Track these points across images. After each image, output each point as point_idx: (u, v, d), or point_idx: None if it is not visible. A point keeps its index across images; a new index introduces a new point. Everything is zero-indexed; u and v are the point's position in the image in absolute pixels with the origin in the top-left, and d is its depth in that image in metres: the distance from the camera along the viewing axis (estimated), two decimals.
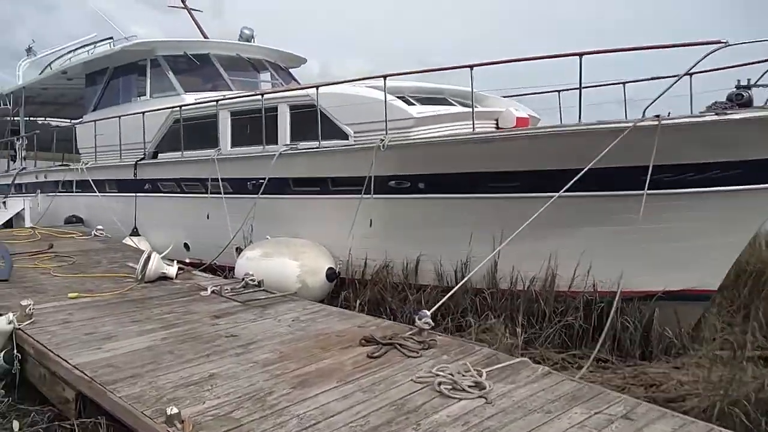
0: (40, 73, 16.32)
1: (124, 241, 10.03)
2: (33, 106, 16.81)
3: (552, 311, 6.77)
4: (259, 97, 8.77)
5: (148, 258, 7.06)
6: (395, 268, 7.56)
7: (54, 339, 5.11)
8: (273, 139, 8.65)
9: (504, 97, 9.36)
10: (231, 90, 10.85)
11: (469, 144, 6.64)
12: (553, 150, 6.30)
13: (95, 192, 11.21)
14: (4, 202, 12.60)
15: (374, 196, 7.11)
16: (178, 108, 9.98)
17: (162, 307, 6.22)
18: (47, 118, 19.23)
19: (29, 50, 16.75)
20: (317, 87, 7.75)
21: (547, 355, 6.34)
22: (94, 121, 11.48)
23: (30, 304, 5.49)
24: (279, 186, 8.27)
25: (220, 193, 8.81)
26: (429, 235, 7.29)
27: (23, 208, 12.44)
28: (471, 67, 6.72)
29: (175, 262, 7.36)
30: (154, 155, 10.33)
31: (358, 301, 7.41)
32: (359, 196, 7.24)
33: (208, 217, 9.05)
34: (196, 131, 9.60)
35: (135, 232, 10.36)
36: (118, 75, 12.09)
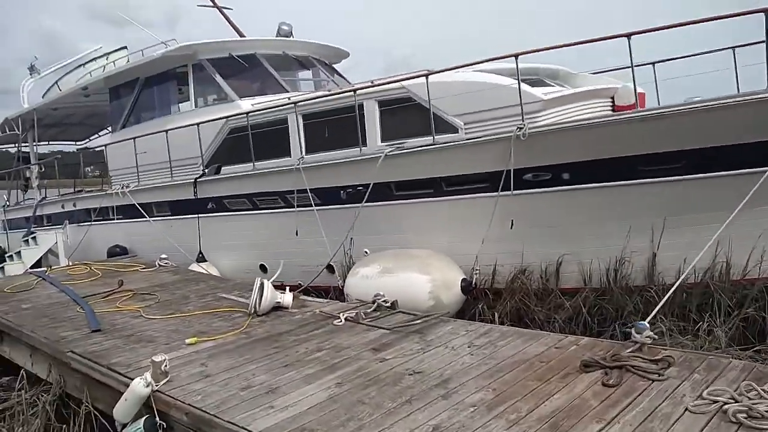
0: (44, 94, 15.34)
1: (190, 268, 9.15)
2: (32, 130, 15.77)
3: (728, 304, 6.08)
4: (339, 95, 7.98)
5: (262, 287, 6.22)
6: (533, 272, 6.79)
7: (208, 400, 4.29)
8: (357, 140, 7.86)
9: (593, 73, 8.63)
10: (286, 91, 10.02)
11: (633, 123, 5.88)
12: (735, 123, 5.57)
13: (144, 217, 10.29)
14: (34, 238, 11.59)
15: (514, 192, 6.32)
16: (234, 116, 9.13)
17: (303, 344, 5.41)
18: (50, 142, 18.22)
19: (32, 69, 15.69)
20: (426, 76, 6.94)
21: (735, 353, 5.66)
22: (133, 138, 10.54)
23: (164, 360, 4.64)
24: (380, 192, 7.47)
25: (311, 206, 7.96)
26: (573, 233, 6.54)
27: (56, 243, 11.43)
28: (516, 55, 6.32)
29: (288, 288, 6.52)
30: (218, 170, 9.42)
31: (496, 314, 6.64)
32: (494, 194, 6.45)
33: (296, 234, 8.20)
34: (259, 140, 8.75)
35: (201, 258, 9.48)
36: (151, 85, 11.16)
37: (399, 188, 7.46)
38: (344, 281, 7.66)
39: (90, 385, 5.18)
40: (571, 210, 6.46)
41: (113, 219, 11.23)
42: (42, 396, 5.67)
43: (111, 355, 5.31)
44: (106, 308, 6.84)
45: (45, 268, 8.89)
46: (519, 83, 6.29)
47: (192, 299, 7.21)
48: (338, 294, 7.71)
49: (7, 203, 15.26)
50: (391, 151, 7.18)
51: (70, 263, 11.16)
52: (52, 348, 5.67)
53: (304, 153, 8.37)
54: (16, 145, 15.72)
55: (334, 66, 12.24)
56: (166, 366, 4.65)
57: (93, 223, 11.60)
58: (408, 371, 4.59)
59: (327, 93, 8.60)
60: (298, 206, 8.16)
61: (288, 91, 10.03)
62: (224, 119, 9.32)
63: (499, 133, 6.60)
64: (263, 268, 9.15)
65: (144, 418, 4.38)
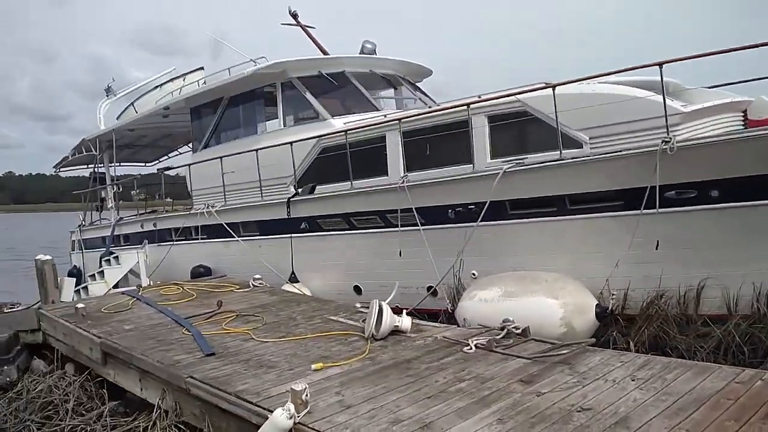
0: (119, 115, 15.51)
1: (283, 288, 8.89)
2: (108, 151, 15.93)
3: None
4: (448, 111, 7.66)
5: (381, 310, 5.86)
6: (671, 297, 6.25)
7: None
8: (462, 158, 7.50)
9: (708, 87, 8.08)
10: (377, 109, 9.77)
11: None
12: None
13: (232, 236, 10.11)
14: (116, 258, 11.53)
15: (660, 210, 5.83)
16: (328, 135, 8.92)
17: (438, 372, 5.00)
18: (121, 163, 18.44)
19: (108, 90, 15.93)
20: (553, 87, 6.54)
21: None
22: (220, 157, 10.42)
23: (305, 389, 4.28)
24: (493, 211, 7.06)
25: (416, 225, 7.60)
26: (718, 255, 5.99)
27: (137, 262, 11.35)
28: (660, 64, 5.95)
29: (405, 312, 6.14)
30: (312, 189, 9.17)
31: (631, 342, 6.11)
32: (636, 212, 5.97)
33: (400, 255, 7.84)
34: (353, 159, 8.46)
35: (294, 278, 9.21)
36: (236, 104, 11.09)
37: (515, 207, 7.04)
38: (453, 304, 7.25)
39: (212, 413, 4.88)
40: (718, 230, 5.92)
41: (197, 239, 11.10)
42: (158, 423, 5.42)
43: (234, 381, 5.00)
44: (213, 330, 6.58)
45: (135, 288, 8.74)
46: (664, 95, 5.84)
47: (300, 321, 6.89)
48: (447, 318, 7.30)
49: (83, 223, 15.38)
50: (511, 167, 6.78)
51: (151, 283, 11.08)
52: (168, 372, 5.40)
53: (402, 171, 8.05)
54: (92, 165, 15.91)
55: (417, 84, 11.98)
56: (307, 396, 4.31)
57: (175, 242, 11.50)
58: (574, 407, 4.13)
59: (435, 108, 8.29)
60: (401, 226, 7.81)
61: (378, 110, 9.78)
62: (316, 138, 9.10)
63: (631, 147, 6.14)
64: (357, 289, 8.82)
65: None
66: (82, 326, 6.89)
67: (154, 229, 12.20)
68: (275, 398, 4.56)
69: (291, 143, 9.11)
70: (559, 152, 6.50)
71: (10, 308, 11.99)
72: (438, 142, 7.83)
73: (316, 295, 8.86)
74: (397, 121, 8.05)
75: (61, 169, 17.67)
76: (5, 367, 6.93)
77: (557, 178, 6.58)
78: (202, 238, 10.98)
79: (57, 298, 8.43)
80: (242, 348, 5.95)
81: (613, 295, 6.37)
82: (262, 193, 9.87)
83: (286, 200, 9.29)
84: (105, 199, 15.05)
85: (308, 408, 4.27)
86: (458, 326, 6.62)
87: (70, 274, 13.78)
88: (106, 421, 5.94)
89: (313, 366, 5.23)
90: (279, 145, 9.33)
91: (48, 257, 8.71)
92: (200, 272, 10.74)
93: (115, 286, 11.46)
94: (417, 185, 7.68)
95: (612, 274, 6.34)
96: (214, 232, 10.61)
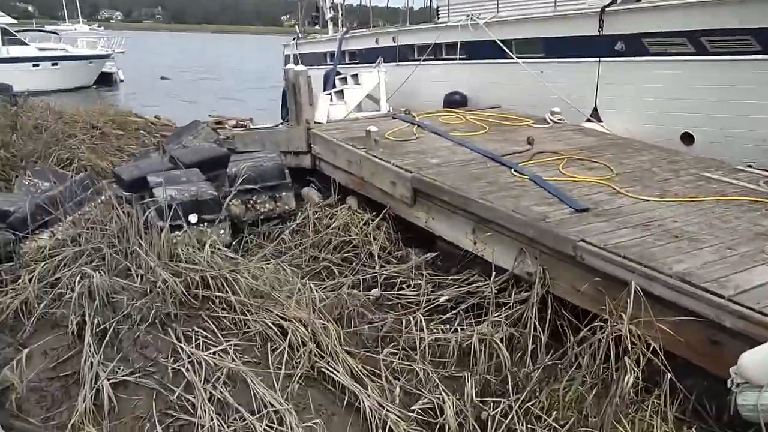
0: None
1: (583, 124, 7.27)
2: None
3: None
4: None
5: None
6: None
7: None
8: None
9: None
10: None
11: None
12: None
13: (506, 57, 8.41)
14: (354, 76, 10.34)
15: None
16: None
17: None
18: None
19: None
20: None
21: None
22: None
23: None
24: None
25: None
26: None
27: (378, 83, 10.09)
28: None
29: None
30: None
31: None
32: None
33: None
34: None
35: (595, 115, 7.51)
36: None
37: None
38: None
39: (615, 294, 3.55)
40: None
41: (452, 59, 9.54)
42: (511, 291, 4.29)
43: (657, 256, 3.61)
44: (546, 176, 5.17)
45: (408, 113, 7.51)
46: None
47: (665, 175, 5.27)
48: None
49: (299, 35, 14.31)
50: None
51: (390, 109, 9.89)
52: (538, 230, 4.13)
53: None
54: None
55: None
56: None
57: (422, 62, 10.02)
58: None
59: None
60: None
61: None
62: None
63: None
64: (687, 138, 6.97)
65: None
66: (376, 155, 5.78)
67: (394, 44, 10.75)
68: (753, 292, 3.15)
69: None
70: None
71: (241, 124, 11.54)
72: None
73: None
74: None
75: None
76: (283, 194, 6.10)
77: None
78: (460, 59, 9.39)
79: (311, 118, 7.44)
80: (619, 206, 4.51)
81: None
82: (555, 1, 7.93)
83: (598, 9, 7.28)
84: (322, 8, 13.73)
85: None
86: None
87: (284, 95, 13.05)
88: (422, 273, 4.96)
89: None
90: None
91: (303, 67, 7.63)
92: (455, 100, 9.30)
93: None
94: None
95: None
96: (478, 51, 8.95)
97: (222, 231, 5.41)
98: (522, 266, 4.32)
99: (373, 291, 4.87)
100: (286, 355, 3.82)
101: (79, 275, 4.25)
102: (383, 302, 4.82)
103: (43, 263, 4.65)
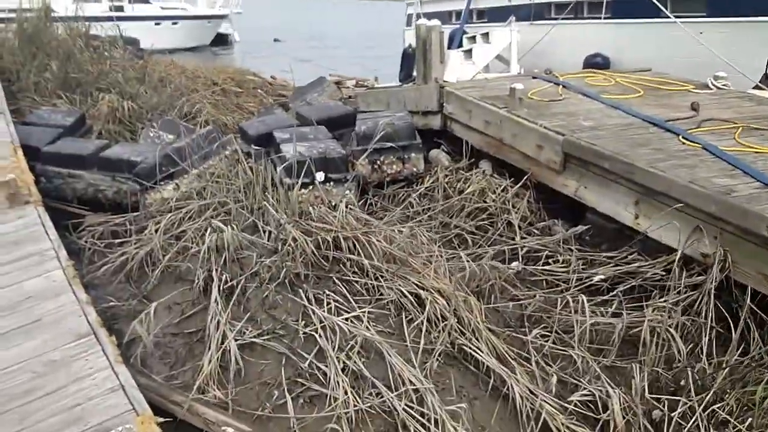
0: None
1: (750, 91, 6.45)
2: None
3: None
4: None
5: None
6: None
7: None
8: None
9: None
10: None
11: None
12: None
13: (664, 17, 7.61)
14: (485, 35, 9.82)
15: None
16: None
17: None
18: None
19: None
20: None
21: None
22: None
23: None
24: None
25: None
26: None
27: (510, 43, 9.51)
28: None
29: None
30: None
31: None
32: None
33: None
34: None
35: (765, 82, 6.67)
36: None
37: None
38: None
39: None
40: None
41: (595, 17, 8.80)
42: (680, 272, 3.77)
43: None
44: (726, 146, 4.53)
45: (550, 72, 6.96)
46: None
47: None
48: None
49: None
50: None
51: (522, 71, 9.31)
52: (722, 204, 3.56)
53: None
54: None
55: None
56: None
57: (561, 21, 9.34)
58: None
59: None
60: None
61: None
62: None
63: None
64: None
65: None
66: (520, 115, 5.32)
67: (528, 2, 10.10)
68: None
69: None
70: None
71: (362, 85, 11.32)
72: None
73: None
74: None
75: None
76: (412, 155, 5.78)
77: None
78: (605, 18, 8.65)
79: (441, 77, 7.05)
80: None
81: None
82: None
83: None
84: None
85: None
86: None
87: (404, 56, 12.72)
88: (570, 248, 4.50)
89: None
90: None
91: (436, 21, 7.21)
92: (597, 63, 8.60)
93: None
94: None
95: None
96: (626, 9, 8.18)
97: (348, 191, 5.18)
98: (696, 246, 3.79)
99: (514, 264, 4.48)
100: (425, 328, 3.53)
101: (209, 228, 4.13)
102: (525, 278, 4.43)
103: (168, 215, 4.60)
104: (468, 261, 4.16)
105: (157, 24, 25.88)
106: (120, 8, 23.69)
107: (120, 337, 3.27)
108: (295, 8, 62.85)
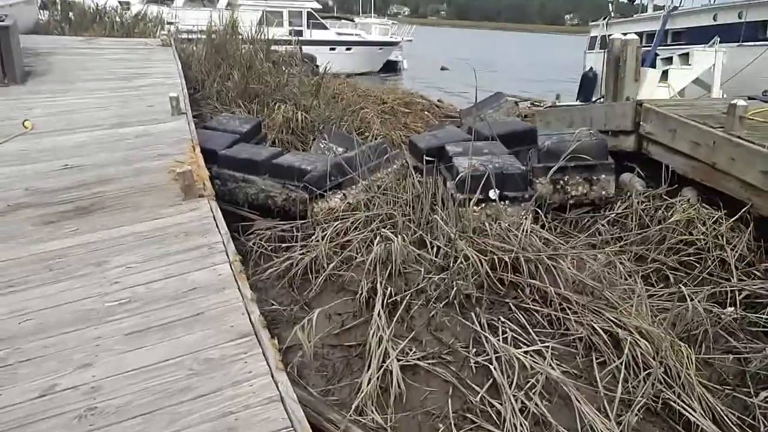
0: None
1: None
2: None
3: None
4: None
5: None
6: None
7: None
8: None
9: None
10: None
11: None
12: None
13: None
14: (683, 56, 8.97)
15: None
16: None
17: None
18: None
19: None
20: None
21: None
22: None
23: None
24: None
25: None
26: None
27: (713, 65, 8.59)
28: None
29: None
30: None
31: None
32: None
33: None
34: None
35: None
36: None
37: None
38: None
39: None
40: None
41: None
42: None
43: None
44: None
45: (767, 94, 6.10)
46: None
47: None
48: None
49: (612, 14, 13.18)
50: None
51: (724, 95, 8.32)
52: None
53: None
54: None
55: None
56: None
57: None
58: None
59: None
60: None
61: None
62: None
63: None
64: None
65: None
66: (741, 136, 4.58)
67: (738, 21, 9.08)
68: None
69: None
70: None
71: (537, 105, 10.84)
72: None
73: None
74: None
75: None
76: (602, 176, 5.20)
77: None
78: None
79: (634, 96, 6.40)
80: None
81: None
82: None
83: None
84: None
85: None
86: None
87: (584, 79, 12.07)
88: None
89: None
90: None
91: (633, 36, 6.60)
92: None
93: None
94: None
95: None
96: None
97: (524, 212, 4.72)
98: None
99: (729, 309, 3.78)
100: (622, 374, 2.98)
101: (377, 237, 3.88)
102: (744, 327, 3.71)
103: (335, 223, 4.44)
104: (674, 301, 3.54)
105: (332, 49, 27.07)
106: (299, 33, 25.05)
107: (279, 344, 3.07)
108: (467, 39, 63.56)
